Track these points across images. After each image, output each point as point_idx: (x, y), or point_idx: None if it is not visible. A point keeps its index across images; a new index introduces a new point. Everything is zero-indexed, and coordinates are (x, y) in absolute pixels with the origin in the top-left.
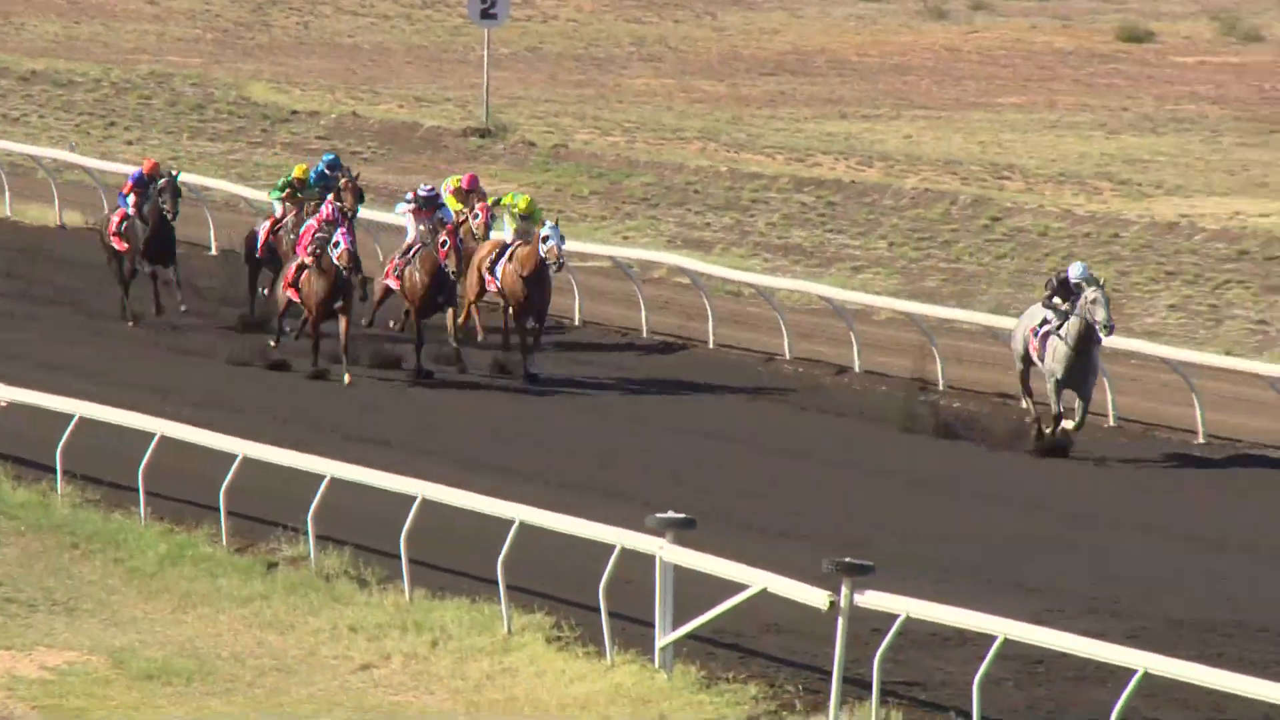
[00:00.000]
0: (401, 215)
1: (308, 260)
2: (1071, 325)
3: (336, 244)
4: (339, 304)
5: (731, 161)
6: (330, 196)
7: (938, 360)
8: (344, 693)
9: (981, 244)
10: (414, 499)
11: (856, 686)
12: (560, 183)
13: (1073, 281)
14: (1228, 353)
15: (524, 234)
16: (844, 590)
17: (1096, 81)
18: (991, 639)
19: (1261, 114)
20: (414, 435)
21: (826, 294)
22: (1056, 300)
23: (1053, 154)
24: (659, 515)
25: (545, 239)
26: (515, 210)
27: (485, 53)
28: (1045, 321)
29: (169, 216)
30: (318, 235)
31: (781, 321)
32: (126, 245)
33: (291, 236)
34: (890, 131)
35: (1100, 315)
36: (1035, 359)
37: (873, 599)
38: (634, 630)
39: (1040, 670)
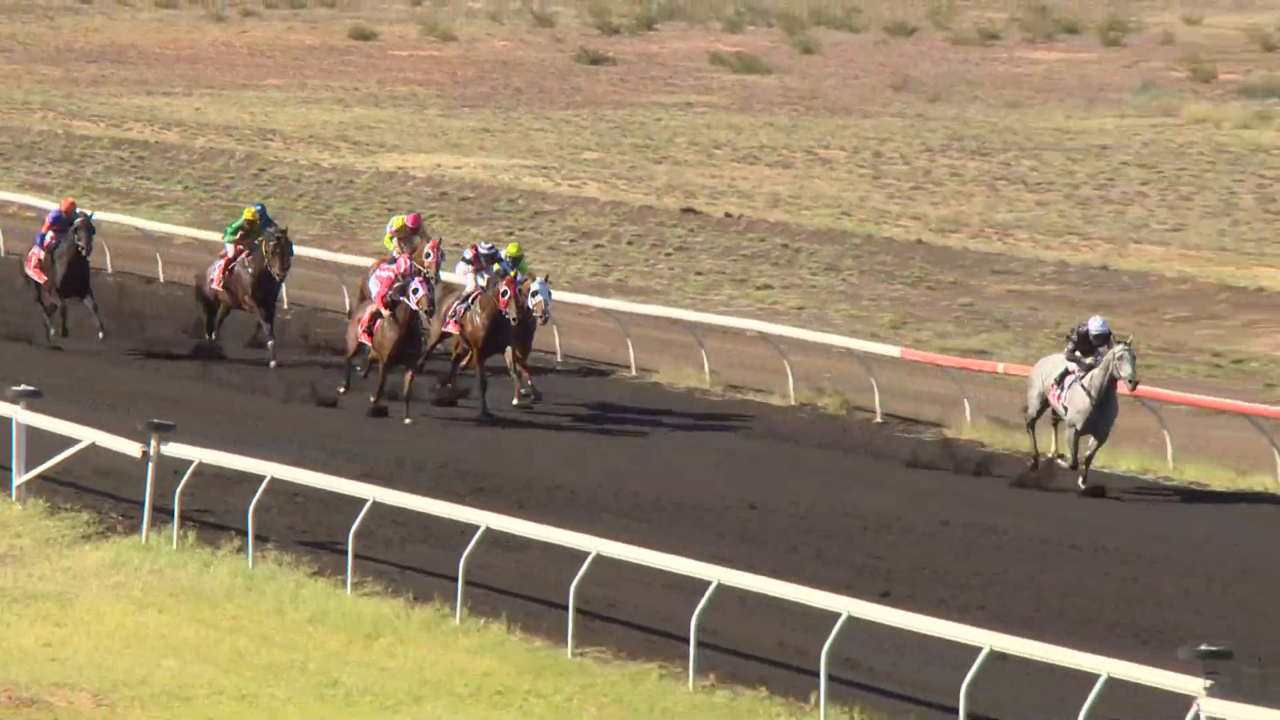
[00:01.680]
0: (463, 274)
1: (384, 310)
2: (1096, 377)
3: (415, 290)
4: (409, 351)
5: (66, 126)
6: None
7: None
8: None
9: (254, 188)
10: None
11: (163, 514)
12: None
13: (1093, 335)
14: None
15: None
16: (153, 443)
17: (335, 69)
18: (262, 477)
19: (455, 93)
20: None
21: (140, 225)
22: (1079, 354)
23: (304, 122)
24: (14, 388)
25: (534, 294)
26: (505, 255)
27: None
28: (1068, 372)
29: (84, 252)
30: (395, 286)
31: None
32: (45, 278)
33: (247, 272)
34: (184, 105)
35: (1126, 372)
36: (1057, 407)
37: (175, 449)
38: None
39: (300, 500)
